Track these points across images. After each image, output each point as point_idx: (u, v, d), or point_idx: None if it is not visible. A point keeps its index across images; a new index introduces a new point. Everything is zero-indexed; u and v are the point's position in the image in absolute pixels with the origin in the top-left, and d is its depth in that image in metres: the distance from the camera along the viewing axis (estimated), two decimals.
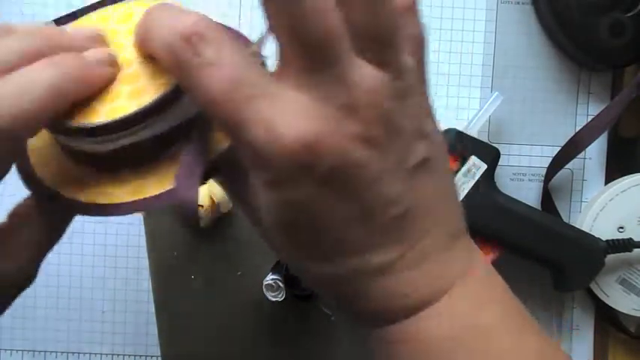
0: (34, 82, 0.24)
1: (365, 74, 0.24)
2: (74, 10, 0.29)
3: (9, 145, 0.24)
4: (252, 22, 0.51)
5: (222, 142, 0.27)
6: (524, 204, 0.49)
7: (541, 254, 0.49)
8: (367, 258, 0.26)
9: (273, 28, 0.24)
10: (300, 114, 0.23)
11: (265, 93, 0.23)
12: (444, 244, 0.27)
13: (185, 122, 0.27)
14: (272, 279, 0.49)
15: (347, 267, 0.26)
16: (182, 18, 0.24)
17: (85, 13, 0.29)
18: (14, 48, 0.25)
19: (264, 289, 0.49)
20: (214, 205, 0.48)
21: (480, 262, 0.29)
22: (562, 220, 0.51)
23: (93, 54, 0.26)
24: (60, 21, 0.29)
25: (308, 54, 0.23)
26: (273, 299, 0.49)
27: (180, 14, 0.24)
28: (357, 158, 0.24)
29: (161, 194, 0.26)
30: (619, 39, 0.48)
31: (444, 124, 0.51)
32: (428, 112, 0.27)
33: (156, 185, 0.26)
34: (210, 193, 0.48)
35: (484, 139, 0.51)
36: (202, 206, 0.48)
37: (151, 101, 0.25)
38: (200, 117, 0.27)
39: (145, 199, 0.26)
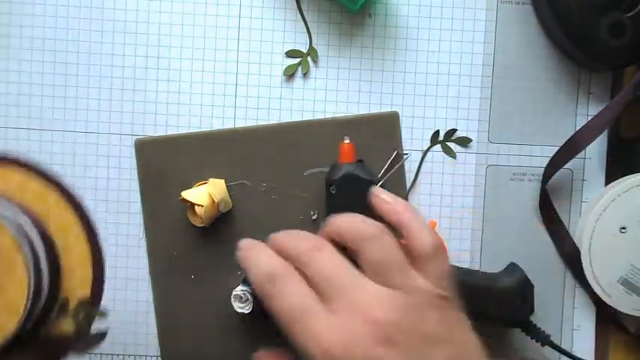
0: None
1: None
2: None
3: None
4: (252, 23, 0.51)
5: None
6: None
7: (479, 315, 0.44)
8: None
9: None
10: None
11: None
12: None
13: None
14: (242, 290, 0.48)
15: None
16: None
17: None
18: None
19: (232, 299, 0.48)
20: (214, 205, 0.48)
21: None
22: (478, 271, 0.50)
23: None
24: None
25: None
26: (239, 310, 0.48)
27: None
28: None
29: None
30: (619, 39, 0.48)
31: (444, 124, 0.51)
32: None
33: None
34: (210, 193, 0.48)
35: (484, 139, 0.51)
36: (202, 206, 0.48)
37: None
38: None
39: None
